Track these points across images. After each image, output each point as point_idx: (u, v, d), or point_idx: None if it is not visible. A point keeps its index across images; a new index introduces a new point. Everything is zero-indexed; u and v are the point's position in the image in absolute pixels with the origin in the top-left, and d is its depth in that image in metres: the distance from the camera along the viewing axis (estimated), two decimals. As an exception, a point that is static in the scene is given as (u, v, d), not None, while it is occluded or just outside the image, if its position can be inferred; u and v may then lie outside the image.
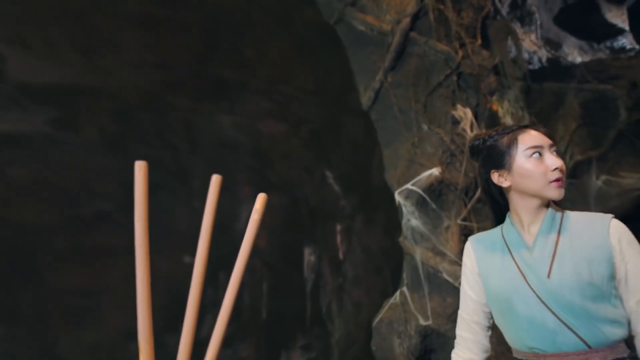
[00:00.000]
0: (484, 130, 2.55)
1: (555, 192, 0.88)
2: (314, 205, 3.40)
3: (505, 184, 0.92)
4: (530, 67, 3.68)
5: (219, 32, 2.64)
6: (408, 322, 1.98)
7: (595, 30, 4.25)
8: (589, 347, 0.79)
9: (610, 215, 0.90)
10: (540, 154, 0.90)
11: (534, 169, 0.89)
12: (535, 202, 0.91)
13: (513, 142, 0.92)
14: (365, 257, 3.64)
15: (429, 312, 1.79)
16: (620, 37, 4.34)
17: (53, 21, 2.04)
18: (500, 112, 4.01)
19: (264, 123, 2.87)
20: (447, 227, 1.94)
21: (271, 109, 2.89)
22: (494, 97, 3.95)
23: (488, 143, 0.97)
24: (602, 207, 3.44)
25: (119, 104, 2.24)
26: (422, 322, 1.91)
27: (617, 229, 0.86)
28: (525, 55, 3.65)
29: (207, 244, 0.76)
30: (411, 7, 2.39)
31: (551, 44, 4.07)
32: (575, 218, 0.90)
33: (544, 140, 0.92)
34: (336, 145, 3.33)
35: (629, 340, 0.83)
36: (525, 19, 3.76)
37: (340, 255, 3.62)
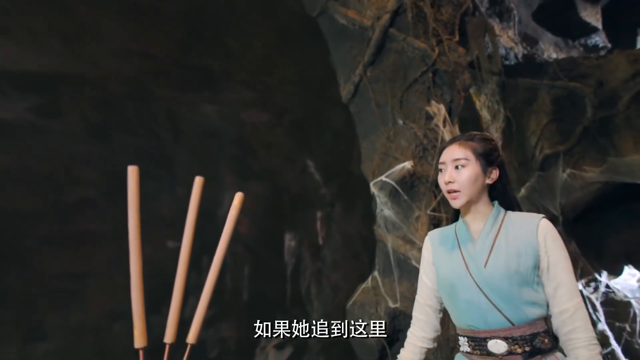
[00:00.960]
0: (456, 127, 2.68)
1: (452, 203, 1.02)
2: (295, 193, 3.50)
3: None
4: (507, 62, 3.81)
5: (202, 22, 2.66)
6: (379, 305, 2.13)
7: (570, 28, 4.40)
8: (512, 324, 0.94)
9: (540, 216, 1.01)
10: (443, 170, 1.03)
11: (440, 181, 1.04)
12: (473, 205, 1.03)
13: (439, 156, 1.04)
14: (343, 242, 3.78)
15: (398, 296, 1.94)
16: (593, 35, 4.50)
17: (36, 9, 2.03)
18: (478, 105, 4.15)
19: (247, 112, 2.92)
20: (418, 217, 2.08)
21: (254, 99, 2.94)
22: (472, 91, 4.09)
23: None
24: (567, 198, 3.66)
25: (103, 92, 2.26)
26: (391, 304, 2.06)
27: (544, 227, 0.98)
28: (502, 51, 3.77)
29: (191, 239, 0.85)
30: (391, 4, 2.47)
31: (528, 39, 4.20)
32: (514, 217, 1.02)
33: (448, 157, 1.03)
34: (317, 135, 3.41)
35: (547, 318, 0.98)
36: (504, 15, 3.87)
37: (320, 241, 3.76)
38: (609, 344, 3.45)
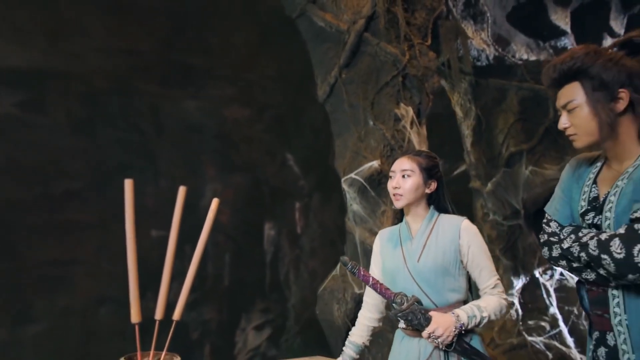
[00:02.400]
0: (424, 128, 2.87)
1: (395, 203, 1.23)
2: (274, 185, 3.66)
3: None
4: (478, 63, 4.01)
5: (185, 19, 2.74)
6: (346, 291, 2.34)
7: (541, 30, 4.61)
8: (436, 305, 1.15)
9: (462, 218, 1.22)
10: (392, 177, 1.23)
11: (389, 186, 1.24)
12: (413, 209, 1.23)
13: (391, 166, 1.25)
14: (321, 231, 3.99)
15: (363, 283, 2.14)
16: (563, 38, 4.73)
17: (20, 5, 2.09)
18: (452, 103, 4.36)
19: (229, 108, 3.04)
20: (383, 212, 2.28)
21: (235, 95, 3.05)
22: (447, 89, 4.29)
23: None
24: (529, 193, 3.95)
25: (87, 87, 2.34)
26: (357, 290, 2.27)
27: (465, 228, 1.19)
28: (475, 53, 3.96)
29: (175, 240, 1.01)
30: (366, 10, 2.60)
31: (501, 40, 4.39)
32: (444, 219, 1.22)
33: (398, 167, 1.23)
34: (297, 130, 3.56)
35: (465, 302, 1.19)
36: (477, 17, 4.04)
37: (298, 230, 3.95)
38: (558, 326, 3.80)
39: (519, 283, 3.99)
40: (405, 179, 1.21)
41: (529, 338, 3.74)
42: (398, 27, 2.69)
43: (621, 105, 0.86)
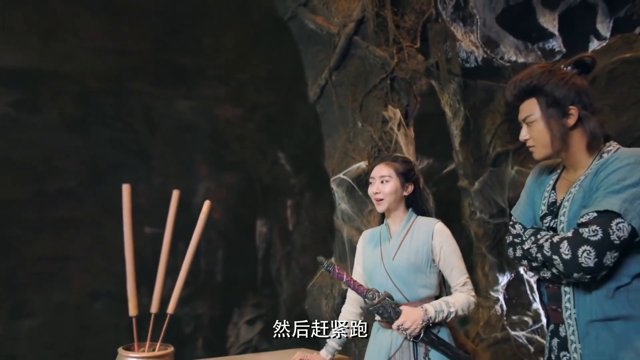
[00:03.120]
0: (411, 129, 2.95)
1: (377, 208, 1.32)
2: (266, 183, 3.73)
3: None
4: (467, 65, 4.10)
5: (178, 20, 2.78)
6: (333, 287, 2.43)
7: (530, 32, 4.70)
8: (408, 300, 1.24)
9: (437, 221, 1.31)
10: (372, 183, 1.32)
11: (370, 191, 1.33)
12: (393, 211, 1.32)
13: (370, 172, 1.32)
14: (312, 229, 4.07)
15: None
16: (551, 40, 4.84)
17: (13, 6, 2.12)
18: (442, 103, 4.45)
19: (221, 107, 3.09)
20: (370, 211, 2.36)
21: (228, 95, 3.10)
22: (437, 89, 4.37)
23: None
24: (514, 192, 4.06)
25: (80, 87, 2.38)
26: (344, 286, 2.36)
27: (437, 230, 1.28)
28: (463, 55, 4.04)
29: (170, 240, 1.08)
30: (356, 14, 2.66)
31: (491, 42, 4.48)
32: (420, 221, 1.32)
33: (377, 173, 1.32)
34: (288, 129, 3.62)
35: (436, 297, 1.29)
36: (467, 19, 4.12)
37: (290, 227, 4.03)
38: (540, 321, 3.93)
39: (504, 279, 4.11)
40: (384, 184, 1.30)
41: (512, 332, 3.87)
42: (387, 30, 2.76)
43: (572, 120, 0.95)
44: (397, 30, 2.86)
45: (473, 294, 1.27)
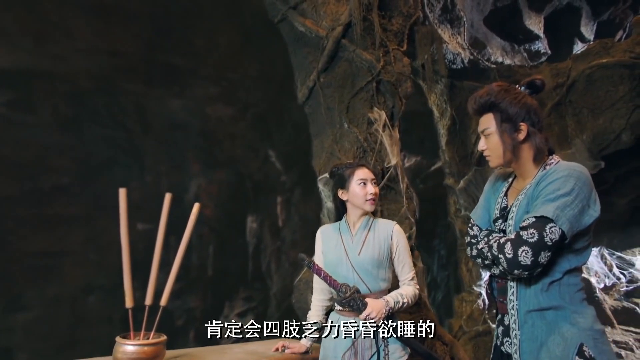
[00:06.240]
0: (396, 131, 3.04)
1: (369, 207, 1.44)
2: (257, 180, 3.82)
3: (344, 197, 1.44)
4: (454, 66, 4.20)
5: (169, 21, 2.83)
6: (319, 281, 2.55)
7: (517, 34, 4.82)
8: (370, 291, 1.39)
9: (394, 222, 1.49)
10: (364, 184, 1.42)
11: (359, 192, 1.42)
12: (360, 211, 1.46)
13: (351, 173, 1.42)
14: (302, 224, 4.17)
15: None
16: (537, 42, 4.96)
17: (4, 7, 2.16)
18: (429, 103, 4.55)
19: (212, 107, 3.16)
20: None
21: (219, 94, 3.17)
22: (425, 89, 4.47)
23: (339, 171, 1.47)
24: (497, 190, 4.20)
25: (73, 87, 2.43)
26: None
27: (395, 231, 1.45)
28: (450, 56, 4.14)
29: (162, 240, 1.17)
30: (344, 17, 2.73)
31: (478, 43, 4.58)
32: (380, 222, 1.47)
33: (368, 176, 1.45)
34: (279, 127, 3.70)
35: (391, 289, 1.46)
36: (454, 22, 4.21)
37: (280, 223, 4.13)
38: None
39: (486, 275, 4.27)
40: (375, 186, 1.44)
41: (493, 325, 4.02)
42: (374, 34, 2.84)
43: (521, 135, 1.06)
44: (384, 33, 2.95)
45: (418, 286, 1.47)
